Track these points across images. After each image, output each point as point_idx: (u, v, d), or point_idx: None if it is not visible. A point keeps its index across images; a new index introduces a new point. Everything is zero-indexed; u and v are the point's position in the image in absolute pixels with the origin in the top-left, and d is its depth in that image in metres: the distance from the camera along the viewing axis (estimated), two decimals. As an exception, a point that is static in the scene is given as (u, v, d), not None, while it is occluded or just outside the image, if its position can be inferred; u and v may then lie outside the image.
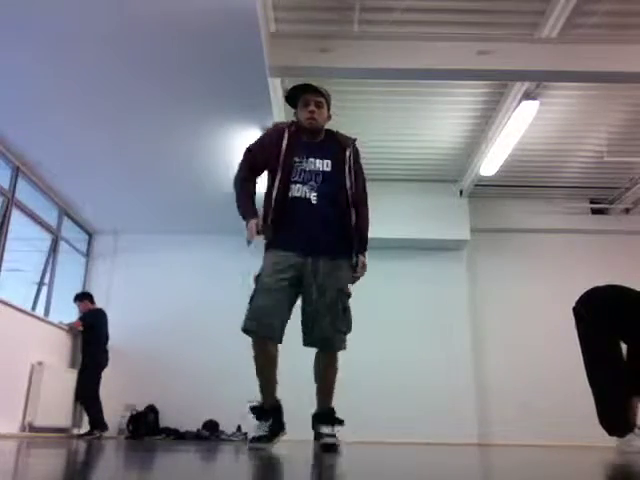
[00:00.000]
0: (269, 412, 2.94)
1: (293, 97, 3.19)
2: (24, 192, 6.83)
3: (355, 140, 3.21)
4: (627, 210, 8.63)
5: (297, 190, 2.99)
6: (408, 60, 5.24)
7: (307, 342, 2.97)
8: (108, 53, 4.82)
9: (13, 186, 6.61)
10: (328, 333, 2.90)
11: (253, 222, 2.96)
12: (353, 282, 3.07)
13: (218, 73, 5.08)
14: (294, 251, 2.95)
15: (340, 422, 2.95)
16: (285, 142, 3.06)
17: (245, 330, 2.87)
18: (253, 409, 2.96)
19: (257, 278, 2.96)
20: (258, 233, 2.95)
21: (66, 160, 6.62)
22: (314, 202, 2.98)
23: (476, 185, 8.11)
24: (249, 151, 3.19)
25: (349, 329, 2.97)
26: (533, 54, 5.21)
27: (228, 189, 7.83)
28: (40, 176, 6.98)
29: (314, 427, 2.98)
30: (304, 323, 2.96)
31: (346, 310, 2.97)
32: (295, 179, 3.01)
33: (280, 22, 5.29)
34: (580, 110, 6.55)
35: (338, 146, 3.16)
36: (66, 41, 4.67)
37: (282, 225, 2.97)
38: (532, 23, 5.28)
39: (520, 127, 6.43)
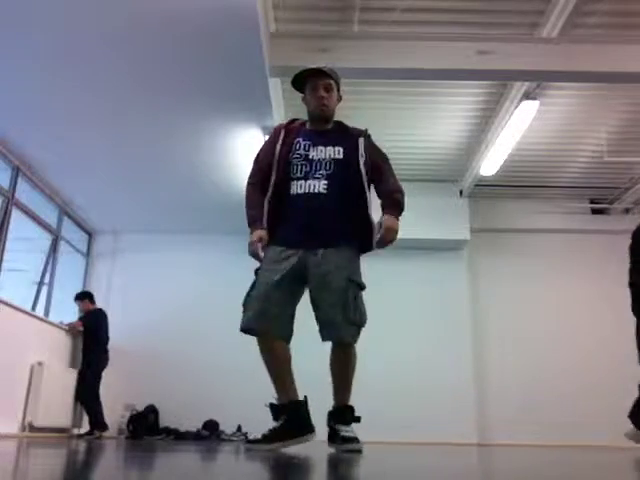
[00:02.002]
0: (282, 411, 2.78)
1: (299, 81, 3.07)
2: (24, 192, 6.83)
3: (366, 130, 3.11)
4: (627, 210, 8.63)
5: (300, 187, 2.89)
6: (408, 60, 5.24)
7: (322, 337, 2.83)
8: (108, 53, 4.82)
9: (13, 186, 6.61)
10: (336, 323, 2.76)
11: (257, 234, 2.86)
12: (378, 246, 2.90)
13: (218, 73, 5.08)
14: (294, 245, 2.85)
15: (356, 419, 2.85)
16: (280, 141, 2.98)
17: (243, 329, 2.78)
18: (271, 406, 2.81)
19: (256, 272, 2.89)
20: (262, 245, 2.85)
21: (66, 160, 6.62)
22: (323, 191, 2.87)
23: (476, 185, 8.11)
24: (256, 159, 3.11)
25: (362, 322, 2.83)
26: (533, 54, 5.21)
27: (228, 189, 7.83)
28: (40, 176, 6.98)
29: (328, 424, 2.86)
30: (316, 318, 2.84)
31: (357, 300, 2.81)
32: (297, 175, 2.91)
33: (280, 22, 5.29)
34: (580, 110, 6.55)
35: (349, 135, 3.06)
36: (66, 42, 4.67)
37: (282, 222, 2.90)
38: (532, 23, 5.29)
39: (520, 127, 6.43)
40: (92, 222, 8.45)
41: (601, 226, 8.59)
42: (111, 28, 4.54)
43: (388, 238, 2.86)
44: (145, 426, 7.44)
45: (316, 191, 2.87)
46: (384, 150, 3.16)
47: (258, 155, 3.11)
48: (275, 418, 2.78)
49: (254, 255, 2.86)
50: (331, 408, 2.91)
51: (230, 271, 8.25)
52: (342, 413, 2.86)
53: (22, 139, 6.17)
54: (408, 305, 8.07)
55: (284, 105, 6.22)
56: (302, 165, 2.93)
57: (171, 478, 1.36)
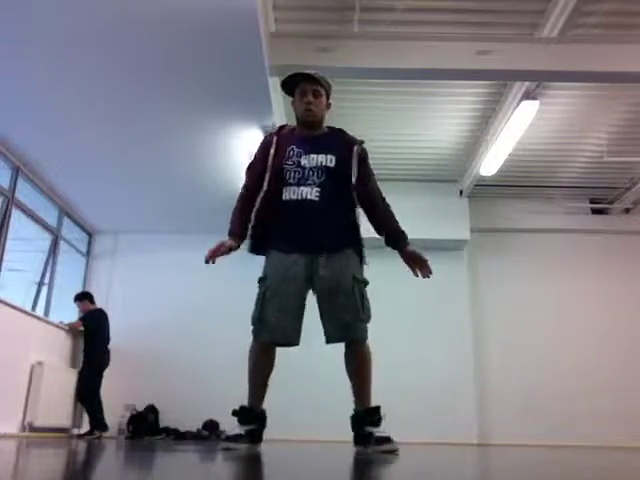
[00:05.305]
0: (255, 417, 2.84)
1: (290, 84, 3.08)
2: (24, 192, 6.83)
3: (363, 142, 3.08)
4: (627, 210, 8.63)
5: (292, 192, 2.89)
6: (408, 60, 5.24)
7: (329, 338, 2.85)
8: (108, 53, 4.82)
9: (13, 186, 6.61)
10: (348, 324, 2.80)
11: (222, 242, 2.99)
12: (424, 275, 3.20)
13: (218, 73, 5.08)
14: (295, 251, 2.87)
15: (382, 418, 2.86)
16: (273, 147, 2.97)
17: (258, 338, 2.81)
18: (236, 412, 2.84)
19: (261, 281, 2.89)
20: (220, 253, 2.96)
21: (66, 160, 6.62)
22: (316, 199, 2.86)
23: (476, 185, 8.10)
24: (248, 168, 3.14)
25: (369, 318, 2.87)
26: (533, 54, 5.20)
27: (227, 189, 7.84)
28: (40, 176, 6.98)
29: (355, 429, 2.87)
30: (323, 320, 2.86)
31: (363, 297, 2.86)
32: (289, 181, 2.91)
33: (280, 22, 5.29)
34: (580, 110, 6.55)
35: (343, 143, 3.04)
36: (66, 42, 4.67)
37: (278, 227, 2.91)
38: (532, 23, 5.28)
39: (520, 127, 6.43)
40: (92, 222, 8.44)
41: (601, 226, 8.59)
42: (111, 28, 4.53)
43: (423, 265, 3.20)
44: (145, 426, 7.44)
45: (308, 198, 2.88)
46: (372, 159, 3.16)
47: (250, 165, 3.13)
48: (246, 422, 2.80)
49: (213, 255, 2.98)
50: (353, 412, 2.90)
51: (230, 271, 8.24)
52: (370, 416, 2.86)
53: (22, 139, 6.17)
54: (408, 305, 8.06)
55: (284, 105, 6.21)
56: (295, 172, 2.92)
57: (171, 478, 1.36)
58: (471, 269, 8.46)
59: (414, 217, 8.10)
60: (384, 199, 3.13)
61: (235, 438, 2.76)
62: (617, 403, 7.67)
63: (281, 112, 6.15)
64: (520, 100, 6.05)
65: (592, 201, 8.60)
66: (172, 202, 7.72)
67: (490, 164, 7.34)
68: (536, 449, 5.00)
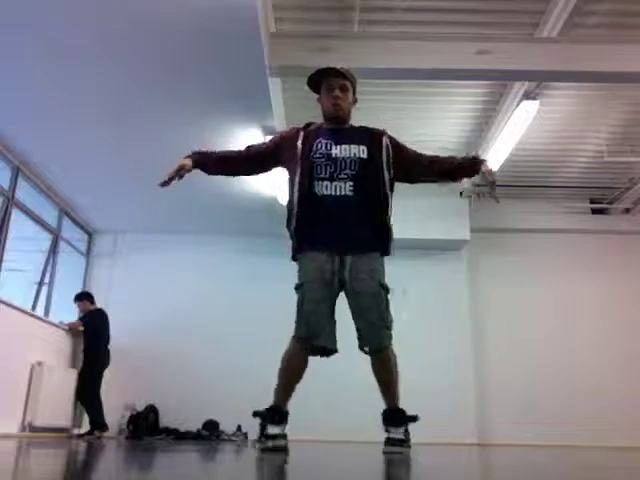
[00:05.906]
0: (284, 416, 2.79)
1: (315, 81, 3.05)
2: (24, 192, 6.83)
3: (385, 130, 3.11)
4: (627, 210, 8.63)
5: (325, 188, 2.85)
6: (408, 60, 5.24)
7: (363, 341, 2.87)
8: (107, 53, 4.82)
9: (13, 186, 6.61)
10: (376, 328, 2.82)
11: (182, 161, 3.07)
12: (492, 189, 3.09)
13: (218, 73, 5.08)
14: (327, 251, 2.83)
15: (411, 419, 2.88)
16: (300, 141, 2.94)
17: (301, 338, 2.79)
18: (265, 411, 2.77)
19: (298, 288, 2.84)
20: (179, 177, 3.01)
21: (66, 160, 6.61)
22: (350, 194, 2.84)
23: (476, 185, 8.10)
24: (263, 143, 3.19)
25: (392, 324, 2.90)
26: (533, 54, 5.21)
27: (228, 189, 7.82)
28: (40, 176, 6.97)
29: (383, 425, 2.92)
30: (357, 325, 2.87)
31: (388, 304, 2.90)
32: (321, 176, 2.87)
33: (280, 22, 5.29)
34: (580, 110, 6.55)
35: (371, 135, 3.04)
36: (66, 41, 4.67)
37: (311, 225, 2.86)
38: (532, 23, 5.28)
39: (520, 127, 6.42)
40: (92, 222, 8.44)
41: (601, 226, 8.59)
42: (111, 28, 4.53)
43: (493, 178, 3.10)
44: (145, 426, 7.44)
45: (342, 193, 2.85)
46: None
47: (260, 144, 3.18)
48: (277, 421, 2.74)
49: (168, 178, 3.12)
50: (384, 410, 2.94)
51: (230, 271, 8.25)
52: (393, 416, 2.89)
53: (22, 139, 6.17)
54: (407, 305, 8.06)
55: (284, 105, 6.22)
56: (326, 165, 2.89)
57: (171, 478, 1.36)
58: (471, 269, 8.46)
59: (414, 217, 8.17)
60: (432, 156, 3.15)
61: (275, 437, 2.70)
62: (617, 403, 7.67)
63: (281, 112, 6.15)
64: (520, 100, 6.05)
65: (592, 201, 8.60)
66: (172, 202, 7.71)
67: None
68: (536, 449, 5.00)
